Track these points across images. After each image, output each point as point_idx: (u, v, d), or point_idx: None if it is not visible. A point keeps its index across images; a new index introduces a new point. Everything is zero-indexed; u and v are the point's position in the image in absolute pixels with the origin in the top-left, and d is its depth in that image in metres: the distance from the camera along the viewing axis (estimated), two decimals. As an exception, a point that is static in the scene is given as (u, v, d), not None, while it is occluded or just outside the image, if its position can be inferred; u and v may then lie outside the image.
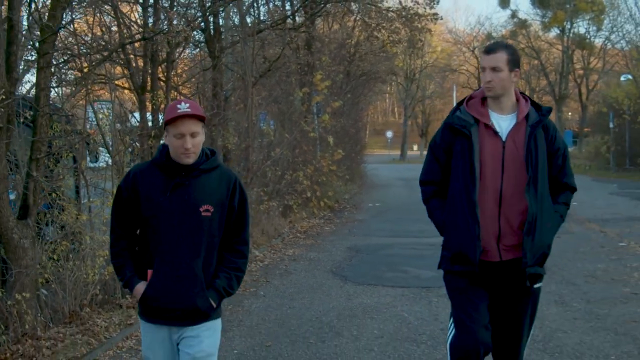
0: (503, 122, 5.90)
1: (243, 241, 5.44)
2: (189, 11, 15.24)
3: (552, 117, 56.97)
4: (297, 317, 10.54)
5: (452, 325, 6.04)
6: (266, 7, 25.46)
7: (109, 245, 5.44)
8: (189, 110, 5.09)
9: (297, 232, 19.99)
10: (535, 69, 76.04)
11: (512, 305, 5.99)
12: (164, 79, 14.20)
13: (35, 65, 9.93)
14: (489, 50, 5.89)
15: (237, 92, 19.40)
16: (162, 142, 8.70)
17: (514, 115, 5.92)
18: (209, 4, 15.44)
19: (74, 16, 12.00)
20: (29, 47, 11.22)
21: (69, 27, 11.50)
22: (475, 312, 5.85)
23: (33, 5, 10.60)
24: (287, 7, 25.85)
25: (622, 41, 61.75)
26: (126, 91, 15.03)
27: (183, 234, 5.15)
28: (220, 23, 17.57)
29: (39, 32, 9.90)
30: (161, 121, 12.31)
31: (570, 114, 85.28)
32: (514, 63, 5.85)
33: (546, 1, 67.93)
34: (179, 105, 5.15)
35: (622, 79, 49.66)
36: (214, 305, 5.24)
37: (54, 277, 9.73)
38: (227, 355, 8.60)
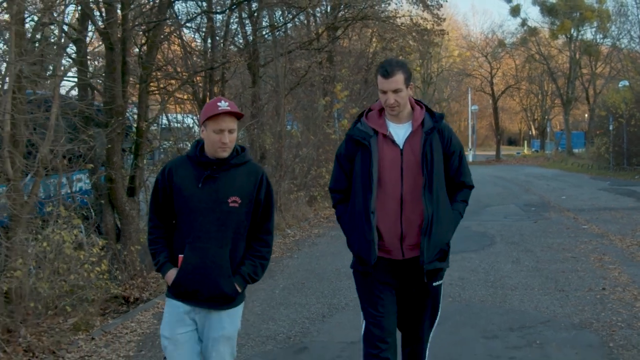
0: (400, 131, 6.18)
1: (267, 231, 5.76)
2: (237, 40, 19.25)
3: (560, 119, 58.66)
4: (322, 269, 14.44)
5: (363, 319, 6.41)
6: (292, 23, 28.26)
7: (147, 233, 5.77)
8: (228, 108, 5.43)
9: (321, 217, 23.44)
10: (546, 73, 77.61)
11: (414, 301, 6.35)
12: (217, 93, 18.08)
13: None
14: (387, 74, 6.01)
15: (272, 102, 22.99)
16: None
17: (410, 124, 6.20)
18: (251, 36, 19.41)
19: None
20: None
21: (164, 68, 15.44)
22: (380, 306, 6.22)
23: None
24: (311, 20, 28.99)
25: (620, 53, 62.92)
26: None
27: (212, 223, 5.46)
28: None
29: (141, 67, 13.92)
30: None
31: (586, 115, 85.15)
32: (409, 79, 6.10)
33: (554, 11, 68.91)
34: (219, 103, 5.46)
35: (619, 85, 52.12)
36: (239, 290, 5.57)
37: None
38: (275, 288, 12.53)
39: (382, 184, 6.09)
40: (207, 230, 5.44)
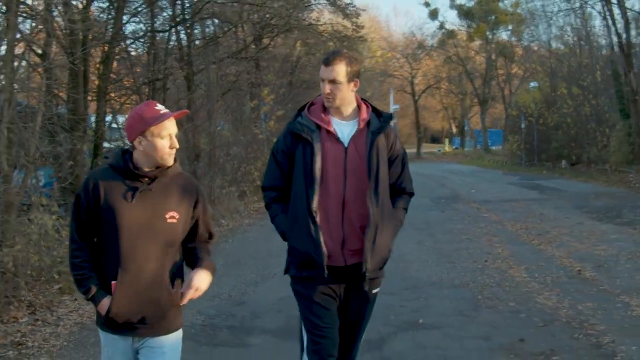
0: (345, 128, 5.76)
1: (211, 235, 5.38)
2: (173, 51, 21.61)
3: (477, 118, 60.98)
4: (256, 251, 16.85)
5: (304, 331, 5.92)
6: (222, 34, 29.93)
7: (69, 256, 4.96)
8: (168, 111, 4.94)
9: (251, 210, 25.75)
10: (464, 73, 79.37)
11: (353, 309, 5.91)
12: (160, 100, 20.29)
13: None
14: (327, 62, 5.66)
15: (205, 106, 25.17)
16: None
17: (356, 121, 5.78)
18: (187, 52, 21.79)
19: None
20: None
21: (119, 83, 17.79)
22: (322, 321, 5.78)
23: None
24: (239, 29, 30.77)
25: (532, 55, 65.15)
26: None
27: (147, 242, 4.85)
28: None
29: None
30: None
31: (504, 114, 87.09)
32: (353, 74, 5.70)
33: (470, 14, 71.71)
34: (157, 107, 4.92)
35: (530, 85, 55.12)
36: (211, 273, 5.13)
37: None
38: (216, 265, 14.85)
39: (324, 183, 5.66)
40: (143, 251, 4.82)
